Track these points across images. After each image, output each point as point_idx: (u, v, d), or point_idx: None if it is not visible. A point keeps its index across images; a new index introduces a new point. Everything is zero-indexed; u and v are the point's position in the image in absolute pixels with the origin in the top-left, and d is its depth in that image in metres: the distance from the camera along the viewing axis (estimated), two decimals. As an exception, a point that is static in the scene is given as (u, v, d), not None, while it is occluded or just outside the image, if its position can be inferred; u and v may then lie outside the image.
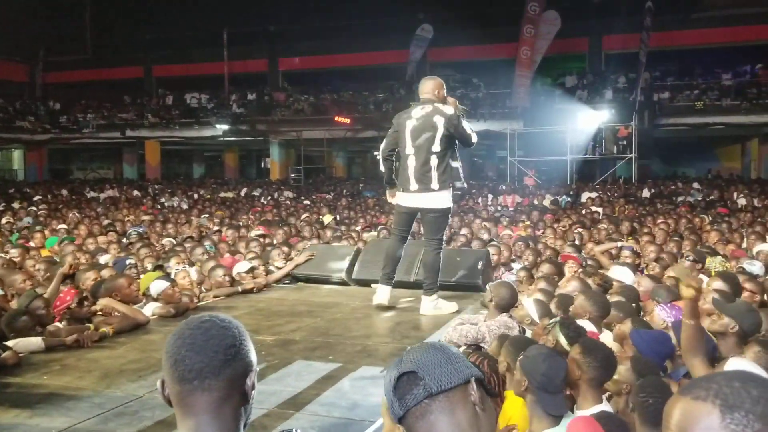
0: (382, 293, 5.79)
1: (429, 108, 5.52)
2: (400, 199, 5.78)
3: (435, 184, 5.53)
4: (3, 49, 32.46)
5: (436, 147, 5.48)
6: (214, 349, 1.32)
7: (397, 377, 1.37)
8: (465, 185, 5.91)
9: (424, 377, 1.34)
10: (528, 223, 11.53)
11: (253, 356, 1.39)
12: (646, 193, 18.49)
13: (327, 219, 13.64)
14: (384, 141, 5.83)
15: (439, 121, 5.46)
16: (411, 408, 1.34)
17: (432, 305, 5.69)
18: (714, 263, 6.16)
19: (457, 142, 5.62)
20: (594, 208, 14.69)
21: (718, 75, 24.38)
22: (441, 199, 5.61)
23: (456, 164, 5.64)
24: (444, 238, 5.83)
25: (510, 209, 15.68)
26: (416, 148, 5.52)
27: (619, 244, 7.99)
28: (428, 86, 5.60)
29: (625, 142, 22.63)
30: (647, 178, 22.77)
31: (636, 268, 6.23)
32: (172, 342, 1.35)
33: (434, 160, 5.51)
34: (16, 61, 33.68)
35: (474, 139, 5.56)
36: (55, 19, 32.50)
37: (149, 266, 6.92)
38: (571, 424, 2.56)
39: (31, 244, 8.90)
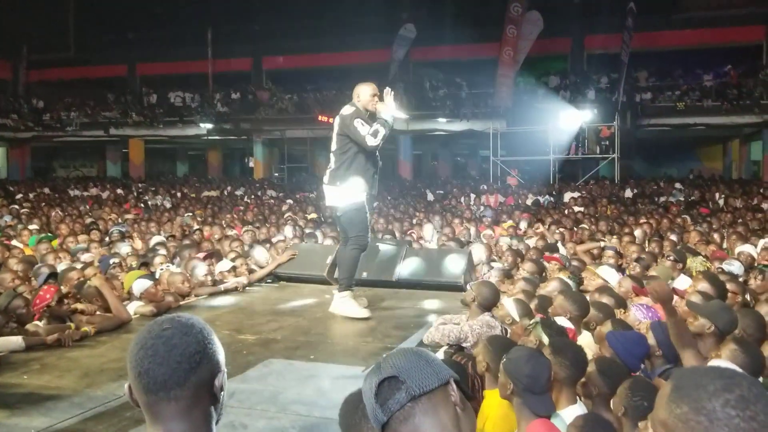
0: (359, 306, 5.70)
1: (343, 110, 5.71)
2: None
3: (330, 181, 5.66)
4: (-16, 47, 32.09)
5: (333, 146, 5.69)
6: (177, 359, 1.31)
7: (378, 383, 1.35)
8: (368, 193, 5.64)
9: (405, 380, 1.34)
10: (510, 223, 11.59)
11: (221, 356, 1.38)
12: (628, 194, 18.64)
13: (311, 215, 13.67)
14: None
15: (335, 121, 5.69)
16: (395, 413, 1.33)
17: (340, 302, 5.63)
18: (695, 263, 6.24)
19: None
20: (576, 208, 14.80)
21: (698, 76, 24.63)
22: (338, 197, 5.65)
23: (358, 167, 5.57)
24: (360, 235, 5.66)
25: (492, 209, 15.75)
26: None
27: (602, 243, 8.07)
28: (354, 91, 5.78)
29: (607, 142, 22.81)
30: (630, 178, 22.98)
31: (618, 268, 6.30)
32: (135, 353, 1.33)
33: (332, 158, 5.70)
34: (0, 58, 33.31)
35: (371, 141, 5.42)
36: (39, 16, 32.11)
37: (133, 264, 6.90)
38: (530, 428, 2.59)
39: (14, 242, 8.83)
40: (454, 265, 6.83)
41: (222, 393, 1.38)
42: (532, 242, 8.52)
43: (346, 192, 5.58)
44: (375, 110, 5.60)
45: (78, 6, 33.98)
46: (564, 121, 22.28)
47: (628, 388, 2.72)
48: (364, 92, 5.69)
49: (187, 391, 1.31)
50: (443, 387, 1.36)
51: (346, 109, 5.62)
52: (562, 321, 3.89)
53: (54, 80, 33.29)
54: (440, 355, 3.82)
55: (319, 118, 25.88)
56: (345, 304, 5.60)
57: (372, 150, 5.53)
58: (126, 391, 1.37)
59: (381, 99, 5.64)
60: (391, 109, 5.54)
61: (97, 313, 5.29)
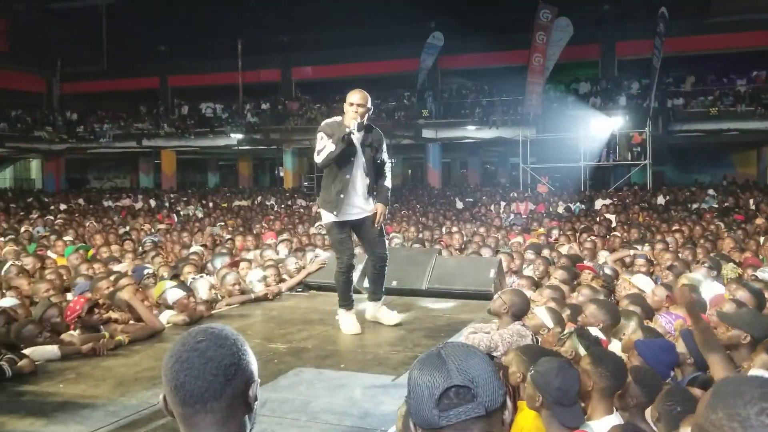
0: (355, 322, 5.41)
1: None
2: None
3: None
4: (21, 61, 32.91)
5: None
6: (212, 372, 1.31)
7: (446, 389, 1.27)
8: (334, 215, 5.26)
9: (477, 395, 1.26)
10: (541, 230, 11.49)
11: (254, 367, 1.39)
12: (661, 200, 18.37)
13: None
14: None
15: None
16: (453, 423, 1.26)
17: (347, 317, 5.43)
18: (726, 270, 6.12)
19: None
20: (608, 216, 14.62)
21: (732, 81, 24.22)
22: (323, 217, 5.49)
23: (325, 185, 5.31)
24: (339, 258, 5.43)
25: (523, 216, 15.64)
26: None
27: (632, 252, 7.95)
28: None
29: (639, 149, 22.52)
30: (662, 184, 22.63)
31: (650, 276, 6.20)
32: (170, 366, 1.34)
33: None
34: (34, 72, 34.12)
35: (317, 158, 5.16)
36: (72, 30, 32.92)
37: (165, 275, 6.98)
38: None
39: (49, 253, 9.00)
40: (484, 273, 6.78)
41: (256, 402, 1.38)
42: (564, 250, 8.43)
43: (323, 212, 5.44)
44: (352, 122, 5.11)
45: (110, 20, 34.74)
46: (595, 128, 22.07)
47: (664, 394, 2.69)
48: (347, 99, 5.17)
49: (223, 403, 1.32)
50: (503, 404, 1.31)
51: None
52: (594, 331, 3.84)
53: (87, 93, 34.03)
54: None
55: (348, 127, 26.02)
56: (341, 320, 5.44)
57: (319, 166, 5.28)
58: (161, 402, 1.38)
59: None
60: (352, 123, 5.10)
61: (131, 322, 5.36)
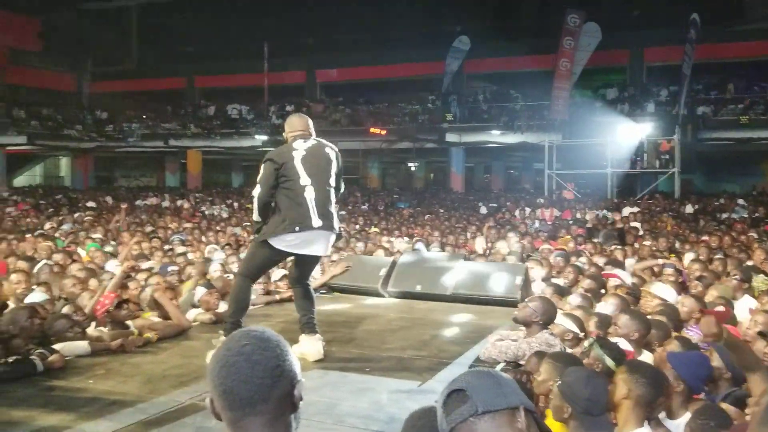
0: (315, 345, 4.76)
1: (315, 141, 4.87)
2: (292, 239, 4.66)
3: (336, 226, 4.82)
4: (52, 60, 33.51)
5: (333, 182, 4.83)
6: (260, 375, 1.33)
7: (447, 394, 1.42)
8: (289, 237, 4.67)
9: (471, 396, 1.39)
10: (568, 237, 11.38)
11: (297, 367, 1.41)
12: (689, 209, 18.11)
13: (373, 230, 13.63)
14: (264, 184, 4.69)
15: (335, 155, 4.89)
16: (457, 425, 1.37)
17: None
18: (756, 282, 6.01)
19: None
20: (635, 224, 14.44)
21: (763, 89, 23.82)
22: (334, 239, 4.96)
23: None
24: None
25: (548, 223, 15.51)
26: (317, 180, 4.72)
27: (661, 261, 7.84)
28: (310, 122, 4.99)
29: (667, 156, 22.24)
30: (690, 193, 22.33)
31: (679, 287, 6.11)
32: (218, 371, 1.35)
33: (332, 196, 4.83)
34: (65, 71, 34.72)
35: (254, 191, 4.71)
36: (102, 31, 33.43)
37: (193, 273, 7.03)
38: None
39: (79, 250, 9.13)
40: (509, 280, 6.74)
41: (301, 401, 1.41)
42: (593, 258, 8.32)
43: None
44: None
45: (140, 21, 35.24)
46: (622, 135, 21.85)
47: (698, 410, 2.66)
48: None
49: (271, 405, 1.34)
50: (510, 411, 1.38)
51: (330, 143, 4.94)
52: (620, 341, 3.78)
53: (116, 92, 34.50)
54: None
55: (371, 130, 26.08)
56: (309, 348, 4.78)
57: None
58: (208, 405, 1.39)
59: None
60: None
61: (158, 320, 5.42)
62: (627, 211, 17.56)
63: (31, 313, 4.72)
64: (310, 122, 4.98)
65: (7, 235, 10.59)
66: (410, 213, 18.82)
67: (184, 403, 3.76)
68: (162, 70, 34.03)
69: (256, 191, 4.70)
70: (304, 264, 4.93)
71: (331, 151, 4.86)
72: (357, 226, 14.69)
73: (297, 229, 4.57)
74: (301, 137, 4.81)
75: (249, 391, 1.32)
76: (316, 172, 4.69)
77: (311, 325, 4.79)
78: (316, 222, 4.60)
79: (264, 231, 4.70)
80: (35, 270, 6.75)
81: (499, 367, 4.06)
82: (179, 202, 22.61)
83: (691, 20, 21.89)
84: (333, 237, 4.83)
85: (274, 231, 4.61)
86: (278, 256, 4.92)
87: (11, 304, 5.23)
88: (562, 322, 4.31)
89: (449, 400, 1.41)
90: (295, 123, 4.91)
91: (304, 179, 4.62)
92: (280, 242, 4.63)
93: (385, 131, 26.41)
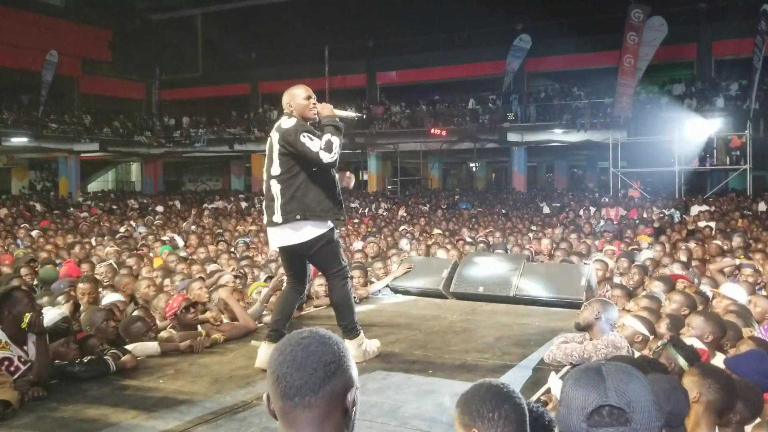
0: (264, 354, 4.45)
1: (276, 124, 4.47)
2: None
3: (285, 217, 4.34)
4: (123, 70, 34.84)
5: (275, 170, 4.38)
6: (313, 365, 1.35)
7: (599, 406, 1.28)
8: (338, 217, 4.54)
9: (632, 420, 1.26)
10: (643, 236, 11.03)
11: (354, 372, 1.41)
12: (762, 207, 17.36)
13: (436, 231, 13.57)
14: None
15: (273, 138, 4.39)
16: None
17: (360, 351, 4.60)
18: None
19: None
20: (704, 223, 13.94)
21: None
22: (302, 233, 4.39)
23: (319, 190, 4.37)
24: (343, 267, 4.61)
25: (614, 222, 15.13)
26: (265, 172, 4.46)
27: (737, 261, 7.54)
28: (283, 100, 4.49)
29: (738, 153, 21.39)
30: (762, 190, 21.41)
31: (759, 287, 5.87)
32: (275, 358, 1.39)
33: (276, 187, 4.38)
34: (135, 80, 36.05)
35: (326, 158, 4.21)
36: (170, 40, 34.57)
37: (262, 276, 7.14)
38: None
39: (151, 253, 9.44)
40: (575, 282, 6.60)
41: (354, 409, 1.40)
42: (663, 260, 8.07)
43: (312, 224, 4.38)
44: (314, 117, 4.45)
45: (205, 30, 36.25)
46: (690, 131, 21.13)
47: None
48: (296, 96, 4.44)
49: (321, 400, 1.35)
50: None
51: (286, 122, 4.35)
52: (694, 342, 3.66)
53: (184, 99, 35.56)
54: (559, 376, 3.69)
55: (432, 131, 26.04)
56: (366, 348, 4.69)
57: (328, 167, 4.34)
58: (264, 401, 1.42)
59: (317, 101, 4.52)
60: (332, 110, 4.45)
61: (225, 321, 5.54)
62: (696, 209, 16.97)
63: (108, 315, 4.91)
64: (288, 96, 4.46)
65: (82, 238, 11.05)
66: (471, 213, 18.69)
67: (251, 404, 3.83)
68: (226, 77, 34.91)
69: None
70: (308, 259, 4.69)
71: (275, 132, 4.40)
72: (418, 227, 14.66)
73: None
74: (286, 115, 4.44)
75: (300, 379, 1.34)
76: (266, 162, 4.49)
77: (346, 332, 4.62)
78: (265, 218, 4.53)
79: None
80: (104, 271, 7.00)
81: (564, 370, 3.99)
82: (244, 205, 23.10)
83: (761, 11, 20.97)
84: (275, 231, 4.46)
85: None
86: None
87: (83, 306, 5.47)
88: (631, 323, 4.21)
89: (600, 413, 1.28)
90: (283, 98, 4.52)
91: (265, 172, 4.49)
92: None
93: (445, 132, 26.33)
